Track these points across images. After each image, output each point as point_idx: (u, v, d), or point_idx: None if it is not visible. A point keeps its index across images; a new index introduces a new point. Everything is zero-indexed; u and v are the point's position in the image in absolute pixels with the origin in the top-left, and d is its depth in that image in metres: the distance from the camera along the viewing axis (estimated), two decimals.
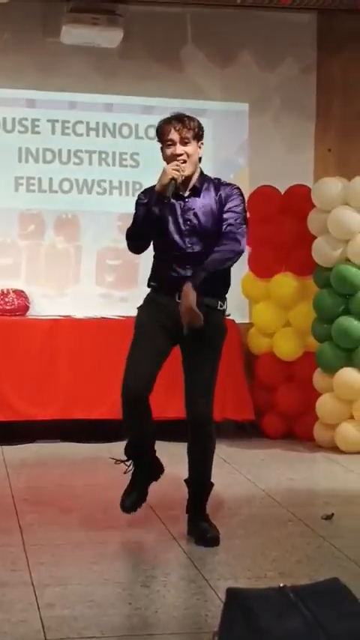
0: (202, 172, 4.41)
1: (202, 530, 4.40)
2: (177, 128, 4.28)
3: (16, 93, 7.27)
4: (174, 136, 4.29)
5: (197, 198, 4.35)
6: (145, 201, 4.35)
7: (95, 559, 4.17)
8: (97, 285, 7.45)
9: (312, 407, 6.74)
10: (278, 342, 7.02)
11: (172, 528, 4.60)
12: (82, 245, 7.43)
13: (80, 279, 7.42)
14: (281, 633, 2.52)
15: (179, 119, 4.32)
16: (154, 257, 4.49)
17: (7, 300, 6.96)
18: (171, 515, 4.76)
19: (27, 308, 7.07)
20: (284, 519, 4.87)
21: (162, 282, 4.41)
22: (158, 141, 4.39)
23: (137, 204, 4.42)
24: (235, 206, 4.33)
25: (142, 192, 4.47)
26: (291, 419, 7.05)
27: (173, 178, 4.22)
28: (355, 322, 6.51)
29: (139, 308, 4.50)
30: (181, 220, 4.34)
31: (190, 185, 4.36)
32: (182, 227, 4.34)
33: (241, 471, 5.96)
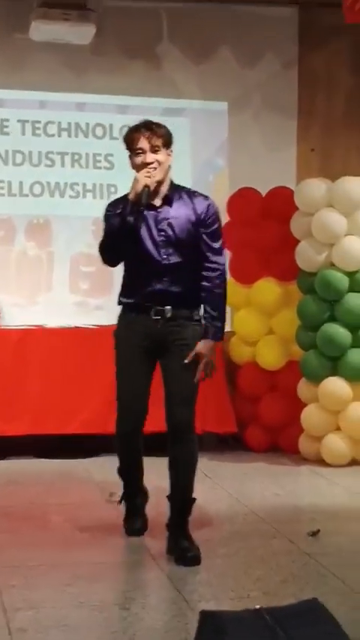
0: (172, 182, 4.48)
1: (182, 549, 4.38)
2: (146, 136, 4.35)
3: None
4: (143, 144, 4.35)
5: (170, 208, 4.42)
6: (119, 211, 4.37)
7: (70, 581, 4.12)
8: (71, 292, 7.40)
9: (297, 418, 6.72)
10: (261, 351, 6.99)
11: (152, 547, 4.57)
12: (54, 251, 7.37)
13: (53, 287, 7.36)
14: None
15: (148, 127, 4.38)
16: (126, 271, 4.53)
17: None
18: (150, 533, 4.75)
19: None
20: (268, 536, 4.84)
21: (136, 297, 4.44)
22: (127, 149, 4.45)
23: (107, 216, 4.47)
24: (211, 225, 4.41)
25: (110, 205, 4.52)
26: (275, 431, 7.00)
27: (146, 185, 4.28)
28: (340, 329, 6.49)
29: (115, 333, 4.56)
30: (155, 231, 4.39)
31: (162, 194, 4.42)
32: (157, 238, 4.38)
33: (223, 485, 5.93)
